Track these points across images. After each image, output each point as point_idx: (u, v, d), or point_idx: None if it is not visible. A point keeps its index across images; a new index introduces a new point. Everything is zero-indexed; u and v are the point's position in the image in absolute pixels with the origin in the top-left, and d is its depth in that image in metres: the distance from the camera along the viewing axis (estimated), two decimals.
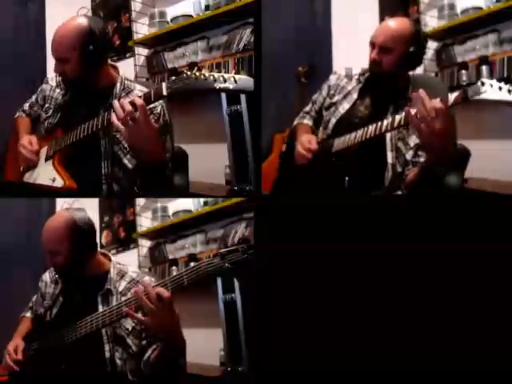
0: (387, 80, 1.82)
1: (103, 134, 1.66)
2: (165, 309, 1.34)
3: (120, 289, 1.62)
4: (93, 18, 1.76)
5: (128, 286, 1.62)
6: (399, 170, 1.77)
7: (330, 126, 1.89)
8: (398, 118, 1.63)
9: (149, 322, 1.35)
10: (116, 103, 1.46)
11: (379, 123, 1.68)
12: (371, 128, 1.70)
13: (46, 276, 1.77)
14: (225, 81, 1.39)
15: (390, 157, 1.78)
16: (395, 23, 1.79)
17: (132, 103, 1.44)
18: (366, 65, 1.96)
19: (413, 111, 1.47)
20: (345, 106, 1.90)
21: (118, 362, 1.54)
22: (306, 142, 1.87)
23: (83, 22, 1.64)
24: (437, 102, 1.42)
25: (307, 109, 2.08)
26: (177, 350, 1.43)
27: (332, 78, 2.01)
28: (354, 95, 1.90)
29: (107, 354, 1.54)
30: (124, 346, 1.55)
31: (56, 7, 2.90)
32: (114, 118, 1.47)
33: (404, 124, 1.62)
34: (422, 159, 1.73)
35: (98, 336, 1.53)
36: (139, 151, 1.55)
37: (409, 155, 1.76)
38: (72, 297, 1.67)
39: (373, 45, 1.79)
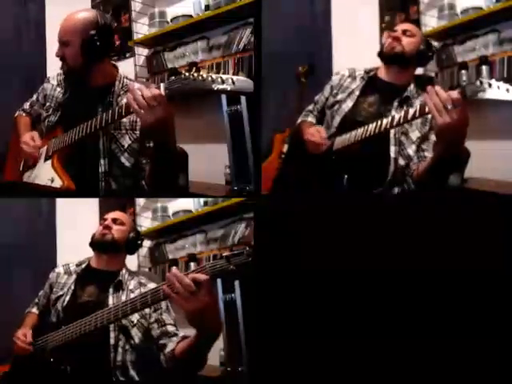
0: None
1: (102, 133, 1.67)
2: (201, 293, 1.27)
3: (130, 287, 1.70)
4: (101, 13, 1.79)
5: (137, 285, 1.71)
6: (402, 163, 1.78)
7: (335, 123, 1.91)
8: (397, 116, 1.65)
9: (186, 306, 1.28)
10: (134, 90, 1.40)
11: (379, 122, 1.70)
12: (371, 126, 1.72)
13: (60, 268, 1.82)
14: (223, 82, 1.37)
15: (392, 151, 1.79)
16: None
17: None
18: (366, 64, 1.98)
19: (428, 102, 1.47)
20: (348, 104, 1.92)
21: (121, 350, 1.60)
22: (316, 132, 1.89)
23: (91, 12, 1.71)
24: (454, 93, 1.42)
25: (310, 108, 2.10)
26: (211, 340, 1.39)
27: (334, 79, 2.03)
28: (357, 93, 1.93)
29: (112, 341, 1.60)
30: (127, 337, 1.61)
31: (56, 7, 2.90)
32: (132, 103, 1.39)
33: (403, 122, 1.64)
34: (426, 153, 1.75)
35: None
36: (158, 135, 1.48)
37: (411, 150, 1.78)
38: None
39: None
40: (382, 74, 1.93)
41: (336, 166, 1.83)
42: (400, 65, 1.88)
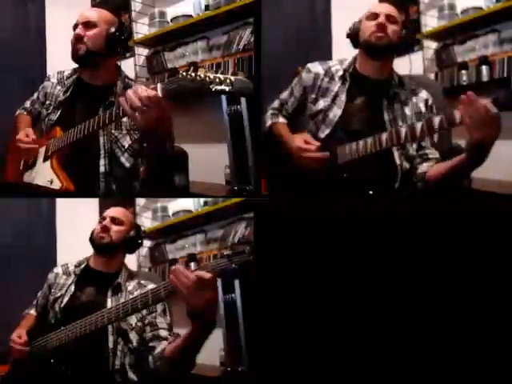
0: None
1: (102, 133, 1.66)
2: (207, 288, 1.28)
3: (129, 288, 1.69)
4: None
5: (136, 287, 1.69)
6: (406, 166, 1.69)
7: (322, 135, 1.73)
8: (419, 126, 1.51)
9: (189, 299, 1.29)
10: (129, 93, 1.38)
11: (393, 132, 1.56)
12: (384, 137, 1.57)
13: (58, 268, 1.81)
14: (221, 83, 1.33)
15: (397, 156, 1.68)
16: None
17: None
18: None
19: (458, 113, 1.37)
20: (336, 113, 1.72)
21: (119, 353, 1.60)
22: (304, 143, 1.71)
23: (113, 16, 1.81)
24: (491, 106, 1.32)
25: (276, 105, 1.90)
26: (205, 336, 1.38)
27: (307, 78, 1.81)
28: (343, 98, 1.72)
29: (110, 345, 1.59)
30: (125, 341, 1.60)
31: (56, 8, 2.90)
32: (124, 104, 1.39)
33: (428, 133, 1.52)
34: (427, 151, 1.67)
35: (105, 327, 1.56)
36: (152, 136, 1.47)
37: (412, 149, 1.69)
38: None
39: None
40: (363, 68, 1.74)
41: (348, 183, 1.66)
42: (385, 57, 1.69)
